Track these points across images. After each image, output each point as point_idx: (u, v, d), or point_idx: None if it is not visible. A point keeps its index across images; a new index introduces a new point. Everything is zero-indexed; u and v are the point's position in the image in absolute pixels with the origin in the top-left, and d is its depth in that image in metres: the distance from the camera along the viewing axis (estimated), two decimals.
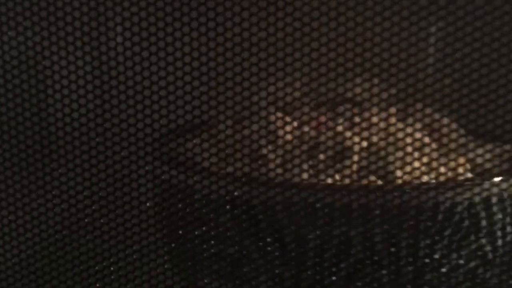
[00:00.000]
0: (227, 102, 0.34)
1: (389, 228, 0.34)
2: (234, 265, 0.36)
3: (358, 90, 0.35)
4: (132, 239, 0.36)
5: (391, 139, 0.35)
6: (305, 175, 0.35)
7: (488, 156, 0.35)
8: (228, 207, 0.35)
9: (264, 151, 0.36)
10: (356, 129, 0.36)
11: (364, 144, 0.35)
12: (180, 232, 0.37)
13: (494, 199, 0.35)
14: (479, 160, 0.36)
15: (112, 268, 0.37)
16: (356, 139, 0.36)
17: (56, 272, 0.37)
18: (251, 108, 0.35)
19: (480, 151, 0.35)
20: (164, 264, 0.37)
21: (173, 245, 0.38)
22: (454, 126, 0.36)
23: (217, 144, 0.36)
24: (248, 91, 0.34)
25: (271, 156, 0.35)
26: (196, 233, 0.36)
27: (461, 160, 0.36)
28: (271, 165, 0.35)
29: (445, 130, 0.36)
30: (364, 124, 0.36)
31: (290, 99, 0.35)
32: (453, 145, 0.35)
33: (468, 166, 0.36)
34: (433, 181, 0.35)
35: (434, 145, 0.36)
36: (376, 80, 0.34)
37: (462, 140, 0.35)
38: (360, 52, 0.33)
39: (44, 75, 0.36)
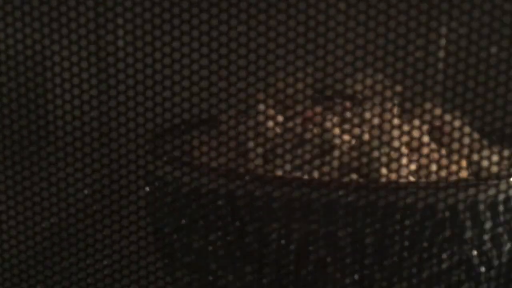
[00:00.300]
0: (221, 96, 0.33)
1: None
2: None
3: (349, 81, 0.32)
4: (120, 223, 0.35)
5: (384, 137, 0.33)
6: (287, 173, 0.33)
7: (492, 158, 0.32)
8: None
9: (247, 146, 0.33)
10: (346, 125, 0.33)
11: (353, 142, 0.33)
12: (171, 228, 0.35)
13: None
14: (483, 163, 0.33)
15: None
16: (346, 136, 0.33)
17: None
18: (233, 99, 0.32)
19: (484, 153, 0.33)
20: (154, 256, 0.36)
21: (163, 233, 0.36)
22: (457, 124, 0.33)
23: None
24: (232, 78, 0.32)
25: (253, 151, 0.33)
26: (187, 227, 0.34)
27: (463, 162, 0.33)
28: (255, 161, 0.33)
29: (447, 128, 0.33)
30: (355, 120, 0.33)
31: (275, 90, 0.33)
32: (454, 146, 0.32)
33: (464, 167, 0.33)
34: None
35: (431, 145, 0.33)
36: (371, 72, 0.32)
37: (464, 140, 0.32)
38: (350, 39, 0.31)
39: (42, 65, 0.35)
